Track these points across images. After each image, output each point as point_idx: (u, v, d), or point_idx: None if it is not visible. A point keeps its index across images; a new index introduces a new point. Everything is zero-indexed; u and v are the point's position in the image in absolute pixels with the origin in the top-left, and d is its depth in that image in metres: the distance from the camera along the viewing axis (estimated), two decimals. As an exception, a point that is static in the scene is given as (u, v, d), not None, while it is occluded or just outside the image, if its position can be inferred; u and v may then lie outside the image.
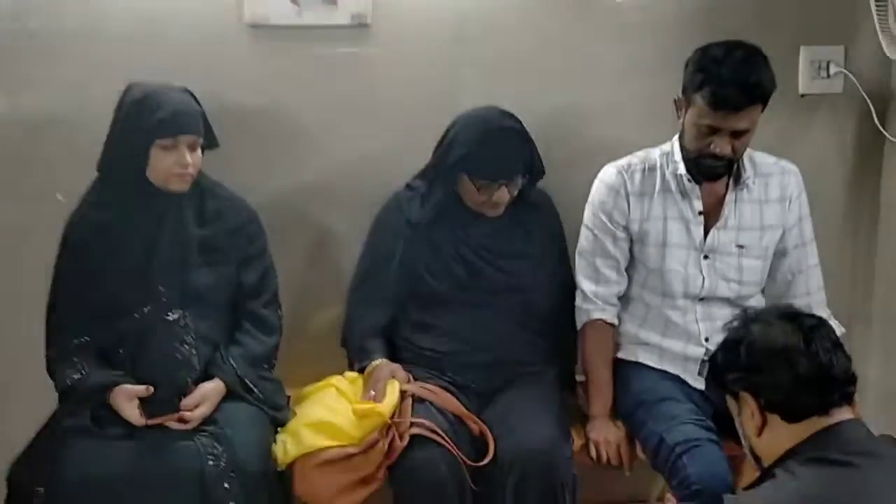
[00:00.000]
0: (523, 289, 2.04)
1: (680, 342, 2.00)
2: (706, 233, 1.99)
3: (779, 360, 1.32)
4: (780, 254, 2.02)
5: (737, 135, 1.84)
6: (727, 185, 1.99)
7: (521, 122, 1.96)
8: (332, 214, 2.32)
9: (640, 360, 2.03)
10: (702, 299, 2.00)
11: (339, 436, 1.82)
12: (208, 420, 1.80)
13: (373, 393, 1.89)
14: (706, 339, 1.98)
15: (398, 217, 2.05)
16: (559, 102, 2.28)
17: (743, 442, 1.45)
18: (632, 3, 2.28)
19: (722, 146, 1.85)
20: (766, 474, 1.33)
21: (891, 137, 2.33)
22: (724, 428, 1.74)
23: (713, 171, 1.91)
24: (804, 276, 2.03)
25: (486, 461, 1.81)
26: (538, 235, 2.08)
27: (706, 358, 1.97)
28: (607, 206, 2.04)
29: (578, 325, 2.09)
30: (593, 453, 1.95)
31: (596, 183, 2.08)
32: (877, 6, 2.09)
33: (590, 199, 2.09)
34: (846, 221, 2.47)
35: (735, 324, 1.44)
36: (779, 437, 1.33)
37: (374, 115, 2.27)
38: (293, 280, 2.21)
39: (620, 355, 2.07)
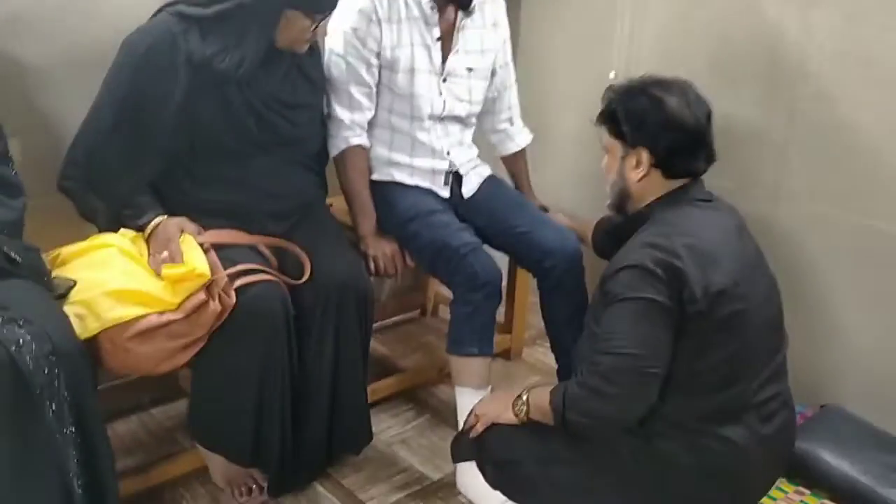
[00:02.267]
0: (305, 138, 1.95)
1: (428, 159, 2.14)
2: (444, 58, 2.09)
3: (683, 135, 1.52)
4: (491, 74, 2.23)
5: None
6: (455, 13, 2.09)
7: None
8: (23, 47, 1.86)
9: (396, 179, 2.13)
10: (441, 119, 2.14)
11: (153, 303, 1.60)
12: (-16, 305, 1.44)
13: (166, 254, 1.68)
14: (448, 153, 2.16)
15: (173, 54, 1.71)
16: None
17: (612, 177, 1.62)
18: None
19: None
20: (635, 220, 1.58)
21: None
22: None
23: None
24: (508, 92, 2.29)
25: (305, 279, 1.79)
26: (318, 82, 1.97)
27: (450, 170, 2.17)
28: (361, 33, 2.00)
29: (335, 153, 2.08)
30: (371, 267, 2.05)
31: (344, 10, 1.99)
32: None
33: (337, 25, 2.01)
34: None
35: (647, 86, 1.57)
36: (653, 184, 1.56)
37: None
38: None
39: (375, 177, 2.14)
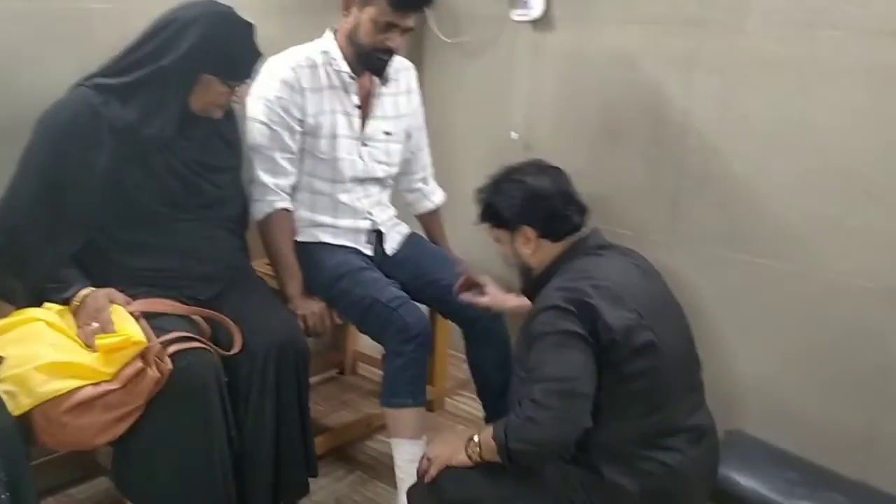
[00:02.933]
0: (226, 200, 1.96)
1: (350, 219, 2.20)
2: (363, 123, 2.17)
3: (550, 201, 1.67)
4: (406, 137, 2.32)
5: (404, 32, 2.05)
6: (371, 81, 2.18)
7: None
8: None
9: (320, 239, 2.17)
10: (362, 181, 2.20)
11: (88, 374, 1.56)
12: None
13: (96, 325, 1.65)
14: (370, 213, 2.22)
15: (95, 124, 1.70)
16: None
17: (512, 261, 1.75)
18: None
19: (395, 41, 2.04)
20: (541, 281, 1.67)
21: (439, 34, 2.78)
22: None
23: (382, 64, 2.08)
24: (422, 153, 2.39)
25: (236, 350, 1.78)
26: (236, 146, 2.00)
27: (371, 228, 2.23)
28: (284, 101, 2.05)
29: (260, 217, 2.10)
30: (301, 326, 2.05)
31: (266, 79, 2.05)
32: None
33: (260, 94, 2.06)
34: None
35: (507, 175, 1.72)
36: (547, 252, 1.69)
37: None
38: None
39: (300, 238, 2.16)
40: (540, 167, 1.74)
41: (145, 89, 1.75)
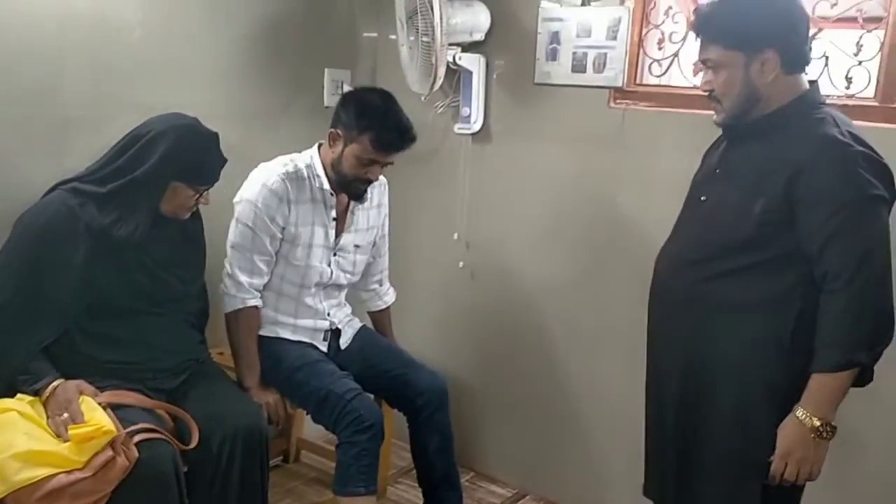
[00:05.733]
0: (191, 295, 2.07)
1: (311, 319, 2.31)
2: (337, 235, 2.30)
3: (804, 23, 1.48)
4: (371, 246, 2.45)
5: (384, 166, 2.21)
6: (349, 198, 2.30)
7: None
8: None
9: (280, 335, 2.27)
10: (325, 286, 2.33)
11: (61, 462, 1.60)
12: None
13: (66, 415, 1.69)
14: (328, 314, 2.35)
15: (73, 224, 1.80)
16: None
17: (736, 92, 1.51)
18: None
19: (376, 174, 2.19)
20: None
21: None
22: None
23: (361, 192, 2.24)
24: (382, 259, 2.53)
25: (194, 445, 1.84)
26: (200, 244, 2.11)
27: (330, 328, 2.35)
28: (271, 210, 2.14)
29: (230, 310, 2.19)
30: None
31: (258, 186, 2.16)
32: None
33: (249, 198, 2.16)
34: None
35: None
36: (782, 86, 1.49)
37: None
38: None
39: (261, 333, 2.25)
40: None
41: (120, 197, 1.87)
